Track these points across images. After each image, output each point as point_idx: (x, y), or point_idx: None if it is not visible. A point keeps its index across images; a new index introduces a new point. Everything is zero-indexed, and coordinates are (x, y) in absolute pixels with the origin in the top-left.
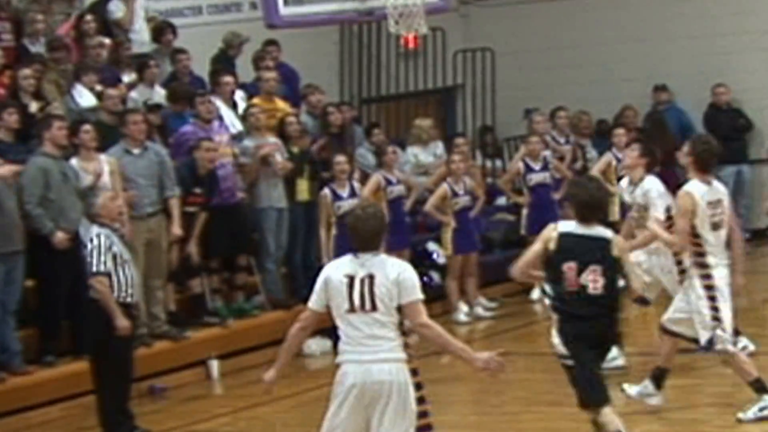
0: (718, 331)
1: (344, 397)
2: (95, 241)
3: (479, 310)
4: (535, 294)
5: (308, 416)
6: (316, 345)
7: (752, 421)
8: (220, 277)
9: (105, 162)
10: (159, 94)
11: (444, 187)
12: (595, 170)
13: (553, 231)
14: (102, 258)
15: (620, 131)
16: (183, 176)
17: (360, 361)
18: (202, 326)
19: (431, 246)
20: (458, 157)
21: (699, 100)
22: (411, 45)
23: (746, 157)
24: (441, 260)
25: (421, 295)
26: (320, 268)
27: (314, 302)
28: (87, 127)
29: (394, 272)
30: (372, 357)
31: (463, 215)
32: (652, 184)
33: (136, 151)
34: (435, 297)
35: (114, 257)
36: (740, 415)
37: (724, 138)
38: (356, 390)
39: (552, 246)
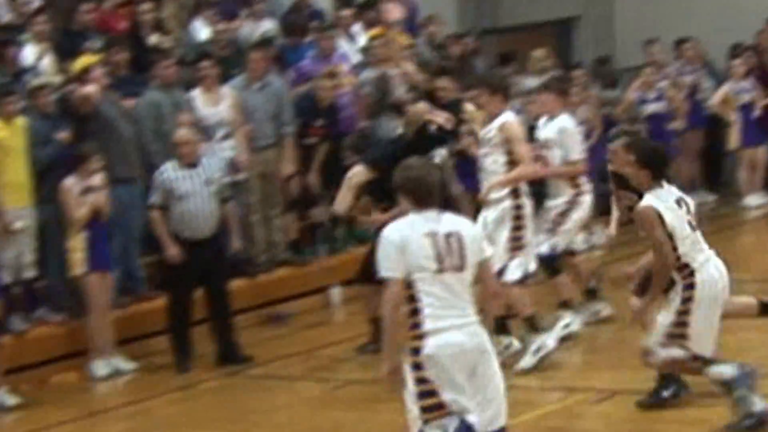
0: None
1: (456, 367)
2: (155, 176)
3: (595, 239)
4: None
5: None
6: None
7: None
8: None
9: (226, 95)
10: (267, 27)
11: None
12: (714, 100)
13: None
14: (155, 192)
15: (738, 62)
16: (303, 109)
17: (461, 325)
18: (323, 254)
19: None
20: (575, 89)
21: None
22: None
23: None
24: None
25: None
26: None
27: (394, 270)
28: (207, 63)
29: (470, 227)
30: (469, 320)
31: None
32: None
33: (255, 85)
34: None
35: (170, 192)
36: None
37: None
38: (469, 355)
39: None
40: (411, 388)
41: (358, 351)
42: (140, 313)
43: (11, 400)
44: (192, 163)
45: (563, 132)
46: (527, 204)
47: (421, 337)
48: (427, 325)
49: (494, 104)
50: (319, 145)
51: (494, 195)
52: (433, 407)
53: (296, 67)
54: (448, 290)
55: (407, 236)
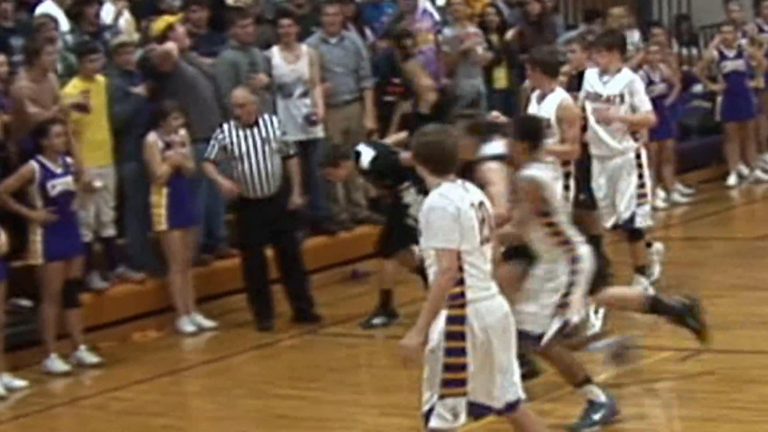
0: None
1: (492, 333)
2: (215, 134)
3: (676, 196)
4: (732, 180)
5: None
6: None
7: None
8: None
9: (305, 53)
10: None
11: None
12: None
13: None
14: (211, 148)
15: None
16: (382, 66)
17: (493, 295)
18: None
19: None
20: (655, 47)
21: None
22: None
23: None
24: None
25: None
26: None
27: (453, 241)
28: (286, 21)
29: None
30: (496, 290)
31: (659, 103)
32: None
33: (332, 40)
34: None
35: (229, 152)
36: None
37: None
38: (503, 322)
39: None
40: (440, 358)
41: (362, 326)
42: (219, 271)
43: (92, 358)
44: (251, 123)
45: (632, 84)
46: (571, 186)
47: (463, 306)
48: (469, 295)
49: (538, 80)
50: (399, 102)
51: None
52: (455, 383)
53: (377, 23)
54: (484, 261)
55: (459, 207)
